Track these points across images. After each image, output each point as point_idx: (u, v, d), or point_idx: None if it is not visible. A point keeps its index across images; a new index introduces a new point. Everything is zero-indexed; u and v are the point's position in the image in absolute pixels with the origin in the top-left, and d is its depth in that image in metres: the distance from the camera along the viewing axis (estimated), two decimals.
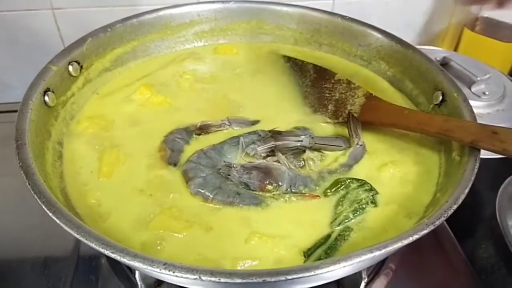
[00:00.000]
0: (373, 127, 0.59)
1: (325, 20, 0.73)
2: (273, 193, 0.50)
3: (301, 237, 0.46)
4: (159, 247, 0.44)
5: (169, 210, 0.48)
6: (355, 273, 0.48)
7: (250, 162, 0.53)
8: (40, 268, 0.58)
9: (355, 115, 0.59)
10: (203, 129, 0.59)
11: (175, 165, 0.54)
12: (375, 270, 0.57)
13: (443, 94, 0.59)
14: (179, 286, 0.52)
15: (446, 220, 0.64)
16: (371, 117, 0.59)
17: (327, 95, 0.64)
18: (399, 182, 0.52)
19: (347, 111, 0.61)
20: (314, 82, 0.67)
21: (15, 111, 0.89)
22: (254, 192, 0.50)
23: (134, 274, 0.55)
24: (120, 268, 0.56)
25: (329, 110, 0.62)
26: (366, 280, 0.50)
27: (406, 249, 0.60)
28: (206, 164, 0.53)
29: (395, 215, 0.48)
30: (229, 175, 0.51)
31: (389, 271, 0.58)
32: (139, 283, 0.50)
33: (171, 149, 0.56)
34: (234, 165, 0.52)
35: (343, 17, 0.72)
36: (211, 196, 0.49)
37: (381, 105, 0.60)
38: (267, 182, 0.50)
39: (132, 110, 0.62)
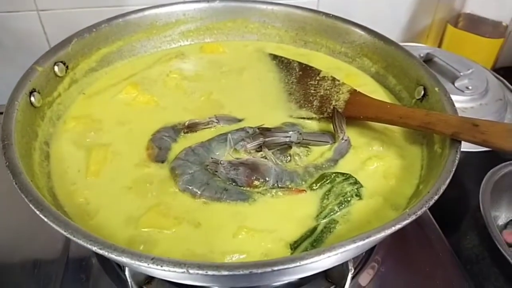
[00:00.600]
0: (357, 121, 0.60)
1: (310, 18, 0.74)
2: (260, 188, 0.51)
3: (288, 231, 0.47)
4: (147, 244, 0.44)
5: (158, 207, 0.49)
6: (342, 265, 0.49)
7: (237, 159, 0.54)
8: (30, 269, 0.58)
9: (339, 110, 0.60)
10: (191, 127, 0.59)
11: (162, 162, 0.54)
12: (362, 262, 0.58)
13: (424, 89, 0.60)
14: (169, 283, 0.54)
15: (432, 213, 0.67)
16: (355, 112, 0.60)
17: (312, 91, 0.65)
18: (382, 175, 0.54)
19: (331, 107, 0.62)
20: (300, 79, 0.68)
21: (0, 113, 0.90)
22: (242, 188, 0.51)
23: (124, 272, 0.55)
24: (111, 266, 0.57)
25: (314, 106, 0.63)
26: (352, 272, 0.51)
27: (392, 241, 0.62)
28: (193, 161, 0.53)
29: (379, 207, 0.49)
30: (216, 171, 0.52)
31: (375, 263, 0.59)
32: (129, 280, 0.50)
33: (158, 147, 0.56)
34: (221, 162, 0.52)
35: (327, 15, 0.73)
36: (198, 192, 0.50)
37: (364, 100, 0.61)
38: (254, 177, 0.51)
39: (119, 109, 0.62)
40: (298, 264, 0.36)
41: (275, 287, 0.54)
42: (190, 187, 0.50)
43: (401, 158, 0.56)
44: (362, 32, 0.70)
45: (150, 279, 0.53)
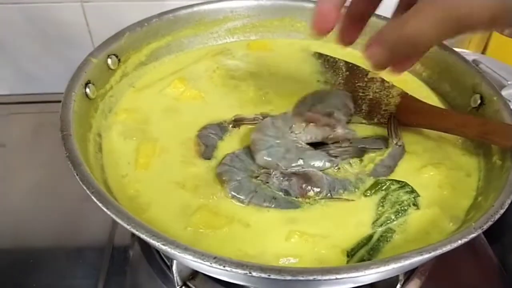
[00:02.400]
0: (410, 128, 0.58)
1: None
2: (311, 199, 0.50)
3: (342, 237, 0.46)
4: (200, 242, 0.44)
5: (207, 206, 0.48)
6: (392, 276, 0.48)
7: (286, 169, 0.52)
8: (75, 259, 0.59)
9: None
10: (237, 121, 0.59)
11: (209, 159, 0.54)
12: (409, 272, 0.57)
13: (481, 98, 0.58)
14: (213, 280, 0.53)
15: None
16: (407, 118, 0.58)
17: (361, 94, 0.64)
18: (438, 185, 0.52)
19: (382, 112, 0.60)
20: (347, 80, 0.67)
21: (41, 102, 0.92)
22: (292, 198, 0.50)
23: (169, 267, 0.56)
24: (155, 260, 0.57)
25: (363, 111, 0.62)
26: (402, 282, 0.50)
27: None
28: (239, 167, 0.53)
29: (436, 218, 0.48)
30: (267, 182, 0.51)
31: (421, 275, 0.57)
32: (175, 275, 0.50)
33: (205, 144, 0.56)
34: (274, 172, 0.51)
35: (378, 16, 0.71)
36: (246, 200, 0.49)
37: (417, 105, 0.59)
38: (309, 188, 0.49)
39: (166, 104, 0.62)
40: (362, 273, 0.35)
41: None
42: (238, 195, 0.49)
43: (457, 167, 0.54)
44: None
45: (194, 275, 0.53)
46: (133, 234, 0.60)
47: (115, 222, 0.61)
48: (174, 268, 0.50)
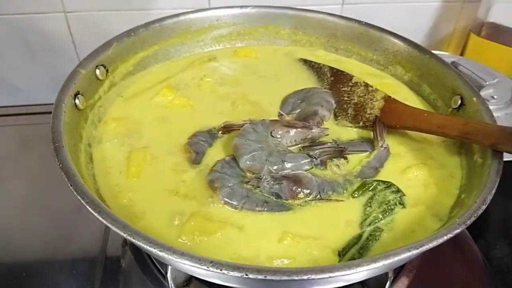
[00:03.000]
0: (394, 130, 0.60)
1: (342, 25, 0.75)
2: (301, 200, 0.51)
3: (332, 238, 0.47)
4: (195, 248, 0.45)
5: (200, 212, 0.49)
6: (381, 273, 0.50)
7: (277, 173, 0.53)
8: (68, 269, 0.59)
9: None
10: (226, 128, 0.60)
11: (198, 164, 0.55)
12: (398, 269, 0.58)
13: (461, 98, 0.61)
14: (206, 285, 0.54)
15: None
16: (391, 121, 0.60)
17: (346, 98, 0.66)
18: (422, 184, 0.54)
19: (367, 115, 0.62)
20: (332, 85, 0.68)
21: (25, 114, 0.91)
22: (283, 200, 0.51)
23: (163, 274, 0.56)
24: (148, 268, 0.57)
25: (349, 115, 0.64)
26: (391, 279, 0.51)
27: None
28: (231, 173, 0.54)
29: (422, 216, 0.50)
30: (258, 186, 0.52)
31: (411, 269, 0.59)
32: (170, 282, 0.51)
33: (195, 152, 0.57)
34: (264, 177, 0.52)
35: (359, 22, 0.74)
36: (239, 206, 0.50)
37: (401, 108, 0.61)
38: (298, 190, 0.51)
39: (156, 112, 0.63)
40: (354, 271, 0.36)
41: None
42: (231, 201, 0.50)
43: (440, 167, 0.56)
44: (396, 40, 0.71)
45: (188, 281, 0.54)
46: (124, 243, 0.61)
47: (107, 232, 0.63)
48: (168, 275, 0.50)
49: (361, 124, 0.62)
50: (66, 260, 0.60)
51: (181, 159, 0.56)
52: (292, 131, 0.57)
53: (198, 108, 0.64)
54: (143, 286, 0.57)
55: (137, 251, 0.59)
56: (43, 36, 0.89)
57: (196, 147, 0.57)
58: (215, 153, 0.57)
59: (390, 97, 0.63)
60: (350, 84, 0.67)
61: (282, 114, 0.63)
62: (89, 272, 0.58)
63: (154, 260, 0.58)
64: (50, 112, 0.87)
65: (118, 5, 0.87)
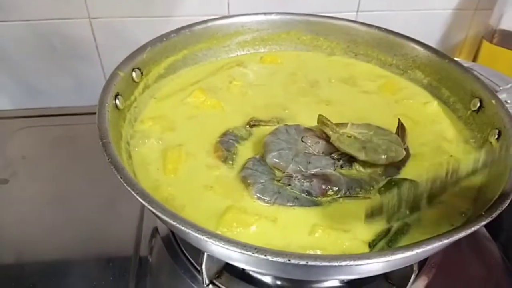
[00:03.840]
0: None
1: (362, 31, 0.78)
2: (330, 197, 0.54)
3: (361, 231, 0.49)
4: (233, 237, 0.47)
5: (235, 206, 0.52)
6: (406, 267, 0.52)
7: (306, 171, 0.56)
8: (104, 263, 0.61)
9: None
10: (253, 122, 0.64)
11: (231, 162, 0.58)
12: (420, 265, 0.61)
13: (480, 101, 0.63)
14: (237, 277, 0.57)
15: None
16: None
17: None
18: None
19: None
20: None
21: (51, 115, 0.94)
22: (313, 197, 0.54)
23: (195, 267, 0.59)
24: (181, 261, 0.60)
25: None
26: (416, 272, 0.53)
27: (446, 246, 0.64)
28: (262, 170, 0.56)
29: (447, 211, 0.52)
30: (289, 184, 0.54)
31: (432, 267, 0.61)
32: (204, 273, 0.53)
33: (226, 150, 0.60)
34: (296, 175, 0.55)
35: (379, 28, 0.77)
36: (271, 201, 0.53)
37: None
38: (328, 187, 0.53)
39: (188, 112, 0.66)
40: (389, 258, 0.39)
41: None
42: (263, 197, 0.53)
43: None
44: (415, 46, 0.73)
45: (220, 273, 0.57)
46: (152, 237, 0.64)
47: (139, 229, 0.66)
48: (203, 265, 0.53)
49: None
50: (100, 257, 0.63)
51: (213, 157, 0.59)
52: (323, 143, 0.59)
53: (228, 110, 0.67)
54: (175, 278, 0.60)
55: (169, 243, 0.62)
56: (68, 41, 0.92)
57: (226, 145, 0.60)
58: (245, 152, 0.60)
59: None
60: None
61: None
62: (124, 267, 0.61)
63: (186, 253, 0.60)
64: (74, 114, 0.93)
65: (140, 12, 0.90)
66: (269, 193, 0.53)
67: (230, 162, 0.58)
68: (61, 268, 0.62)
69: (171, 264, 0.60)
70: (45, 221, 0.69)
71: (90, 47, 0.94)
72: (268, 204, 0.53)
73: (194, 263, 0.59)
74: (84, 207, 0.71)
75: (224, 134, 0.62)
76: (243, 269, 0.58)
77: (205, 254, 0.52)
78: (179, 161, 0.57)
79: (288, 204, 0.52)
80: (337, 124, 0.59)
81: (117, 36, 0.93)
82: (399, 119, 0.62)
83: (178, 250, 0.61)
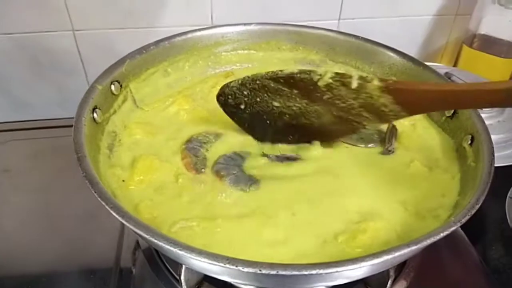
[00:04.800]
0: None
1: (340, 40, 0.79)
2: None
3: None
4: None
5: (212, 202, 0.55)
6: (382, 272, 0.53)
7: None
8: (87, 275, 0.61)
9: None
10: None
11: (202, 170, 0.60)
12: (398, 269, 0.61)
13: None
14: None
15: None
16: (420, 109, 0.53)
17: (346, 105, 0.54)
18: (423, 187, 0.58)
19: (384, 111, 0.53)
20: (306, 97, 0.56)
21: (35, 128, 0.94)
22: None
23: (176, 277, 0.59)
24: (161, 272, 0.60)
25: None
26: (393, 278, 0.54)
27: (425, 250, 0.65)
28: (233, 164, 0.60)
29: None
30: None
31: (410, 271, 0.62)
32: (183, 283, 0.54)
33: (195, 156, 0.62)
34: (269, 155, 0.61)
35: (356, 37, 0.78)
36: (246, 188, 0.57)
37: (422, 95, 0.51)
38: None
39: (169, 122, 0.68)
40: (359, 266, 0.39)
41: None
42: (238, 186, 0.57)
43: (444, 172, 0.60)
44: (391, 54, 0.75)
45: (200, 283, 0.57)
46: (135, 249, 0.64)
47: (120, 240, 0.66)
48: (182, 276, 0.53)
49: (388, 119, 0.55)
50: (81, 270, 0.63)
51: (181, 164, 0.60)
52: None
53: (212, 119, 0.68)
54: None
55: (150, 255, 0.63)
56: (52, 54, 0.92)
57: (194, 152, 0.62)
58: (213, 155, 0.62)
59: (387, 84, 0.51)
60: (324, 89, 0.54)
61: None
62: (105, 279, 0.61)
63: (167, 264, 0.61)
64: (59, 127, 0.93)
65: (124, 24, 0.91)
66: (243, 182, 0.57)
67: (202, 169, 0.60)
68: (43, 281, 0.62)
69: (152, 276, 0.60)
70: (28, 234, 0.69)
71: (74, 59, 0.95)
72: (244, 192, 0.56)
73: (175, 274, 0.60)
74: (67, 220, 0.71)
75: (189, 140, 0.64)
76: None
77: (183, 265, 0.52)
78: (149, 171, 0.58)
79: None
80: None
81: (102, 48, 0.93)
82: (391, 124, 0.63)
83: (159, 262, 0.61)
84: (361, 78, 0.52)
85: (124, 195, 0.54)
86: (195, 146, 0.63)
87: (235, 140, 0.65)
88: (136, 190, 0.56)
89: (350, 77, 0.52)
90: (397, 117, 0.53)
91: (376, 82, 0.51)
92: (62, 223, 0.71)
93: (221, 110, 0.65)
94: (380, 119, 0.55)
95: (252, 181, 0.58)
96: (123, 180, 0.56)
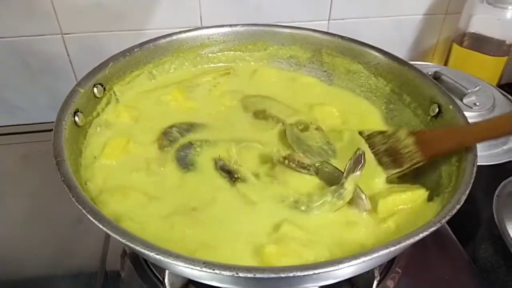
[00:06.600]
0: None
1: (326, 40, 0.79)
2: None
3: None
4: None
5: None
6: (367, 272, 0.53)
7: None
8: (69, 281, 0.61)
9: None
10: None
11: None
12: (385, 270, 0.61)
13: (439, 107, 0.64)
14: None
15: (449, 224, 0.70)
16: (434, 150, 0.58)
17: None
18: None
19: (406, 155, 0.60)
20: None
21: (25, 132, 0.94)
22: None
23: (161, 280, 0.59)
24: (147, 276, 0.60)
25: (386, 162, 0.61)
26: (378, 278, 0.54)
27: (412, 251, 0.65)
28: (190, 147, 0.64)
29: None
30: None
31: (397, 271, 0.62)
32: (168, 287, 0.53)
33: (168, 140, 0.64)
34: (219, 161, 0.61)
35: (342, 37, 0.78)
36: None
37: (435, 133, 0.61)
38: None
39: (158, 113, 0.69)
40: (337, 267, 0.39)
41: None
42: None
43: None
44: (377, 54, 0.74)
45: (185, 287, 0.57)
46: (123, 254, 0.64)
47: (106, 244, 0.66)
48: (166, 280, 0.53)
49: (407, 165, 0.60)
50: (67, 273, 0.63)
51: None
52: None
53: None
54: None
55: (136, 260, 0.62)
56: (42, 58, 0.92)
57: (168, 136, 0.65)
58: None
59: (413, 131, 0.61)
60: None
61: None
62: (90, 283, 0.61)
63: (153, 268, 0.60)
64: (50, 130, 0.93)
65: (113, 27, 0.91)
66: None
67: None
68: (30, 285, 0.62)
69: (137, 280, 0.60)
70: (16, 238, 0.69)
71: (64, 62, 0.94)
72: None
73: (160, 278, 0.59)
74: (53, 224, 0.71)
75: (169, 126, 0.65)
76: None
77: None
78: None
79: None
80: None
81: (91, 50, 0.93)
82: (358, 148, 0.56)
83: (145, 266, 0.61)
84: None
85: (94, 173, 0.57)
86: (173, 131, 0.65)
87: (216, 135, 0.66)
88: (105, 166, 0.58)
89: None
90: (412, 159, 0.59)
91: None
92: (51, 227, 0.71)
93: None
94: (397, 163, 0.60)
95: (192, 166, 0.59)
96: (95, 157, 0.59)
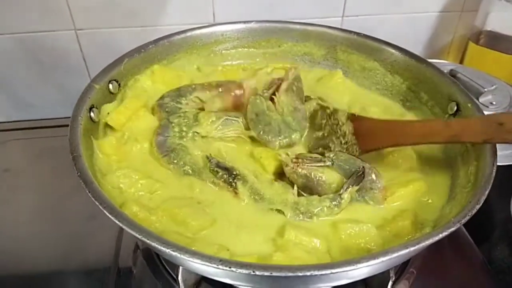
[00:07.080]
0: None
1: (341, 37, 0.78)
2: None
3: None
4: None
5: None
6: (383, 273, 0.52)
7: None
8: (82, 277, 0.61)
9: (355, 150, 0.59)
10: None
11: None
12: (400, 270, 0.60)
13: (457, 105, 0.63)
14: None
15: (464, 225, 0.68)
16: (370, 144, 0.57)
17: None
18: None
19: (344, 145, 0.60)
20: None
21: (37, 127, 0.94)
22: None
23: (174, 277, 0.59)
24: (160, 273, 0.60)
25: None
26: (393, 279, 0.53)
27: (427, 251, 0.64)
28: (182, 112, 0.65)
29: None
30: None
31: (412, 272, 0.61)
32: (181, 284, 0.53)
33: (165, 111, 0.64)
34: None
35: (358, 34, 0.77)
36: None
37: (373, 126, 0.57)
38: None
39: None
40: (354, 267, 0.39)
41: None
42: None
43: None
44: (394, 51, 0.73)
45: (198, 283, 0.57)
46: (135, 249, 0.64)
47: (119, 240, 0.66)
48: (180, 277, 0.53)
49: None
50: (80, 269, 0.63)
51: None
52: None
53: None
54: None
55: (148, 256, 0.62)
56: (55, 54, 0.93)
57: (165, 107, 0.65)
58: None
59: (354, 115, 0.60)
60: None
61: None
62: (103, 279, 0.61)
63: (165, 264, 0.60)
64: (63, 126, 0.93)
65: (126, 23, 0.91)
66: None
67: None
68: (43, 280, 0.62)
69: (150, 276, 0.60)
70: (27, 234, 0.70)
71: (77, 58, 0.95)
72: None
73: (173, 274, 0.59)
74: (67, 220, 0.71)
75: (162, 97, 0.66)
76: None
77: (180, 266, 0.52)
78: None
79: None
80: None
81: (104, 46, 0.93)
82: (362, 167, 0.56)
83: (158, 262, 0.61)
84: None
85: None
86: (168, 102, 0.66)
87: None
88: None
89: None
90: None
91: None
92: (63, 223, 0.71)
93: None
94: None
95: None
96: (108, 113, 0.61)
